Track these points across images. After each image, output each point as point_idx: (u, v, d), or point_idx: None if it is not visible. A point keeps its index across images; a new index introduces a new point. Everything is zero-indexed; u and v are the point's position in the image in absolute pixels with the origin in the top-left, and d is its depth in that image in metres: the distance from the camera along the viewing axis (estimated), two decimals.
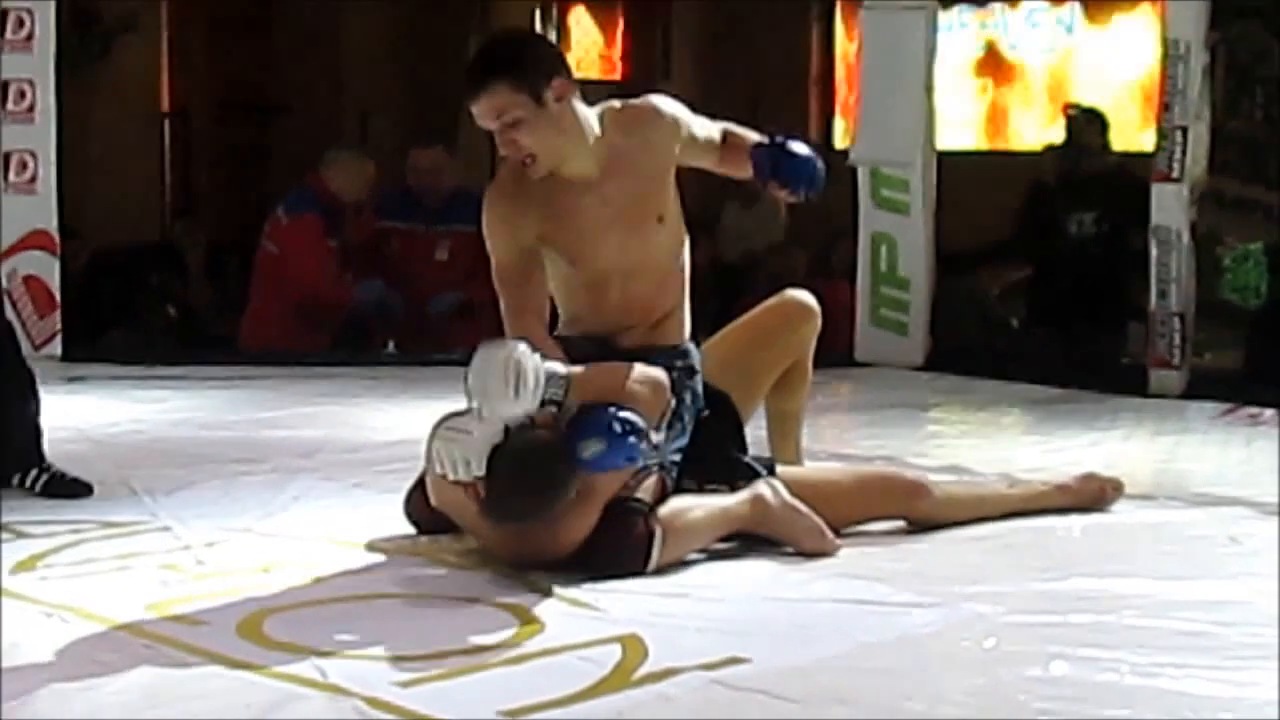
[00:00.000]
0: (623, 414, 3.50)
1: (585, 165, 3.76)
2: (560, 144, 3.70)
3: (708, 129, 3.96)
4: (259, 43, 10.39)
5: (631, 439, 3.48)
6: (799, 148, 3.86)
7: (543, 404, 3.46)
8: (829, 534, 3.78)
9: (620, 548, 3.52)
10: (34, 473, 4.35)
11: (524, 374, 3.40)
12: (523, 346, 3.45)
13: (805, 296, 4.11)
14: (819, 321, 4.12)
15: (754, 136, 3.96)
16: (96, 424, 5.21)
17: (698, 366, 3.92)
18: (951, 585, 3.50)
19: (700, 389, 3.90)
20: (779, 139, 3.89)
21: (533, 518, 3.47)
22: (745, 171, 3.91)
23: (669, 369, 3.76)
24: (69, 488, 4.32)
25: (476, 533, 3.69)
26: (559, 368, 3.50)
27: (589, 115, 3.77)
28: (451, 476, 3.47)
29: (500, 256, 3.76)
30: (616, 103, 3.87)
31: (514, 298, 3.73)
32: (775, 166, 3.85)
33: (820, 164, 3.86)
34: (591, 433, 3.46)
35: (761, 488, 3.77)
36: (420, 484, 3.80)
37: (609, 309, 3.85)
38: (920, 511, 4.01)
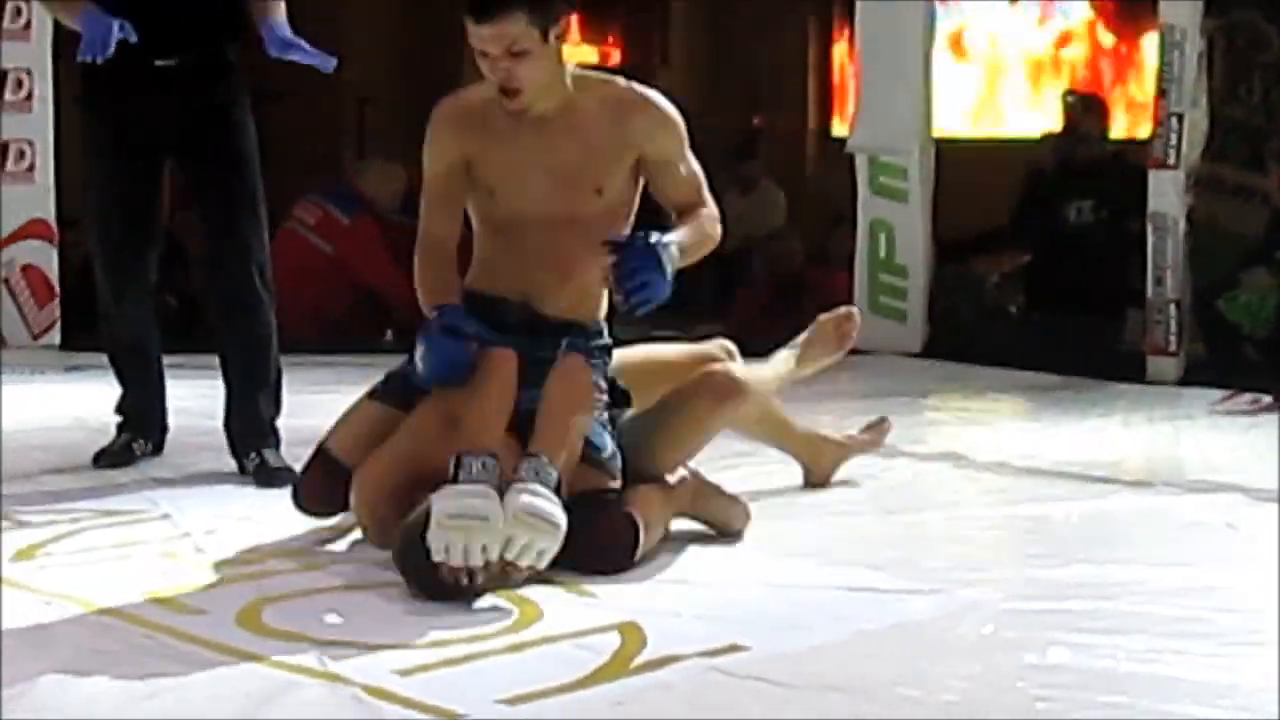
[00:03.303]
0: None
1: (544, 107, 3.71)
2: (548, 83, 3.67)
3: (687, 179, 3.77)
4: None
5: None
6: (653, 268, 3.46)
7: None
8: (748, 510, 3.82)
9: (609, 541, 3.47)
10: (254, 456, 4.38)
11: (542, 514, 3.28)
12: (524, 500, 3.27)
13: (735, 371, 3.92)
14: (743, 402, 3.87)
15: (698, 229, 3.71)
16: (95, 412, 5.20)
17: (610, 346, 3.82)
18: (949, 572, 3.51)
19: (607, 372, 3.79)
20: (651, 243, 3.51)
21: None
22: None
23: (587, 349, 3.70)
24: (271, 476, 4.31)
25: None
26: (550, 473, 3.33)
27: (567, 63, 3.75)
28: (462, 561, 3.21)
29: (428, 171, 3.81)
30: (622, 82, 3.81)
31: (429, 219, 3.77)
32: (622, 264, 3.50)
33: (663, 292, 3.47)
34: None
35: (682, 472, 3.75)
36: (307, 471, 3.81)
37: (523, 258, 3.73)
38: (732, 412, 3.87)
